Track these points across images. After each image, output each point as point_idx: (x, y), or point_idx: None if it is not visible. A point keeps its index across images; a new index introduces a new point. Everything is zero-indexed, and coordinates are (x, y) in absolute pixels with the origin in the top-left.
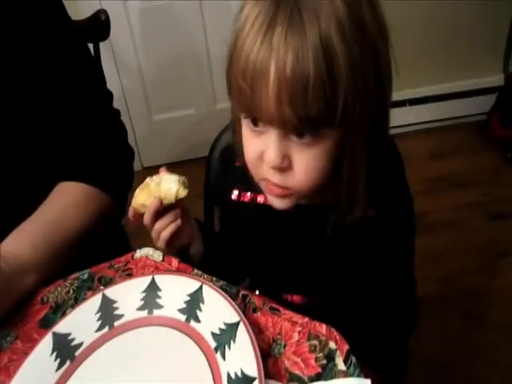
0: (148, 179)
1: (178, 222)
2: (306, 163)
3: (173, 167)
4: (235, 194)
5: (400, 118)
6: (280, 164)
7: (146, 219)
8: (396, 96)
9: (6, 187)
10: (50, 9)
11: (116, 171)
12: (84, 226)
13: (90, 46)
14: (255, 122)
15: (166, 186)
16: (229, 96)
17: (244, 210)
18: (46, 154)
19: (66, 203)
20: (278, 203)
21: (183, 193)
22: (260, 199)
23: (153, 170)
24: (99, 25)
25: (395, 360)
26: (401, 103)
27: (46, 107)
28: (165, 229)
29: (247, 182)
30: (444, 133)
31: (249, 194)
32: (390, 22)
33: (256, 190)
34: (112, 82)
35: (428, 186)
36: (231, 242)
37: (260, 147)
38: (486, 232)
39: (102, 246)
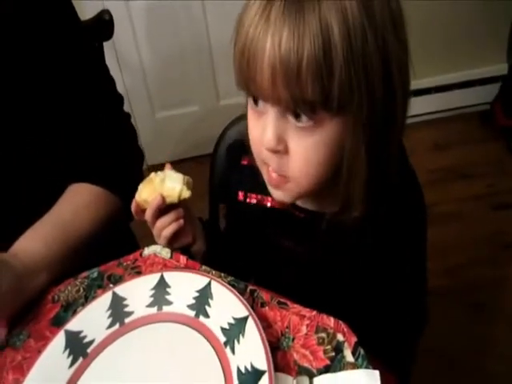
0: (152, 174)
1: (181, 221)
2: (303, 150)
3: (177, 165)
4: (240, 194)
5: None
6: (275, 146)
7: (148, 215)
8: None
9: (18, 189)
10: (60, 11)
11: (126, 173)
12: (94, 226)
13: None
14: (255, 100)
15: (170, 184)
16: (235, 74)
17: (249, 211)
18: (57, 157)
19: (78, 204)
20: (278, 195)
21: (186, 193)
22: (267, 202)
23: (157, 168)
24: (103, 25)
25: (404, 358)
26: None
27: (56, 110)
28: (166, 227)
29: (253, 182)
30: (447, 123)
31: (254, 196)
32: None
33: (262, 191)
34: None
35: (432, 177)
36: (236, 242)
37: (260, 129)
38: (490, 223)
39: (110, 246)
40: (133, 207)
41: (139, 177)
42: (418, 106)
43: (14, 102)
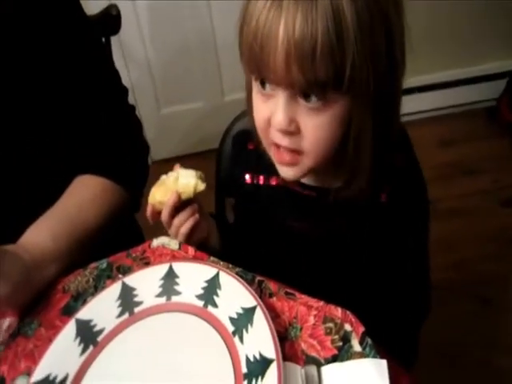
0: (163, 176)
1: (196, 216)
2: (313, 128)
3: (182, 160)
4: (247, 177)
5: (408, 106)
6: (287, 127)
7: (165, 215)
8: (404, 83)
9: (25, 181)
10: (65, 5)
11: (132, 165)
12: (101, 218)
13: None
14: (264, 84)
15: (184, 180)
16: (240, 59)
17: (257, 192)
18: (64, 149)
19: (84, 196)
20: (287, 172)
21: (202, 186)
22: (272, 182)
23: (162, 164)
24: (110, 19)
25: (406, 347)
26: (409, 91)
27: (60, 103)
28: (183, 224)
29: (259, 165)
30: (453, 120)
31: (261, 176)
32: None
33: (269, 172)
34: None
35: (437, 173)
36: (244, 229)
37: (268, 111)
38: (496, 218)
39: (117, 237)
40: (148, 211)
41: (145, 168)
42: (424, 103)
43: (19, 97)
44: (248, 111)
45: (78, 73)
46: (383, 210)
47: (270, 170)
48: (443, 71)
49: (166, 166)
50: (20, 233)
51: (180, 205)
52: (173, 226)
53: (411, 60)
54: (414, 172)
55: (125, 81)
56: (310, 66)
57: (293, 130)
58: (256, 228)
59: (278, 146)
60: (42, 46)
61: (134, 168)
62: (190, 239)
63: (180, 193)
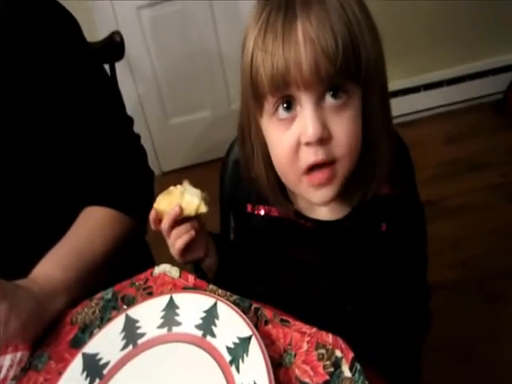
0: (172, 187)
1: (192, 233)
2: (344, 126)
3: (191, 171)
4: (248, 207)
5: (415, 104)
6: (322, 134)
7: (165, 223)
8: (410, 82)
9: (34, 214)
10: (68, 38)
11: (138, 195)
12: (110, 248)
13: (106, 66)
14: (288, 105)
15: (189, 197)
16: (254, 95)
17: (257, 223)
18: (71, 181)
19: (93, 227)
20: (324, 194)
21: (203, 208)
22: (274, 213)
23: (172, 175)
24: (115, 46)
25: (407, 365)
26: (415, 89)
27: (68, 135)
28: (180, 238)
29: (259, 195)
30: (460, 115)
31: (262, 207)
32: (399, 9)
33: (268, 203)
34: (128, 89)
35: (445, 170)
36: (245, 252)
37: (294, 135)
38: (505, 213)
39: (126, 263)
40: (151, 216)
41: (150, 196)
42: (430, 100)
43: (26, 130)
44: (238, 143)
45: (83, 105)
46: (383, 238)
47: (269, 200)
48: (448, 68)
49: (175, 177)
50: (31, 266)
51: (181, 219)
52: (171, 236)
53: (416, 59)
54: (412, 198)
55: (132, 93)
56: (335, 55)
57: (326, 135)
58: (254, 252)
59: (310, 170)
60: (48, 80)
61: (139, 197)
62: (185, 254)
63: (183, 208)
